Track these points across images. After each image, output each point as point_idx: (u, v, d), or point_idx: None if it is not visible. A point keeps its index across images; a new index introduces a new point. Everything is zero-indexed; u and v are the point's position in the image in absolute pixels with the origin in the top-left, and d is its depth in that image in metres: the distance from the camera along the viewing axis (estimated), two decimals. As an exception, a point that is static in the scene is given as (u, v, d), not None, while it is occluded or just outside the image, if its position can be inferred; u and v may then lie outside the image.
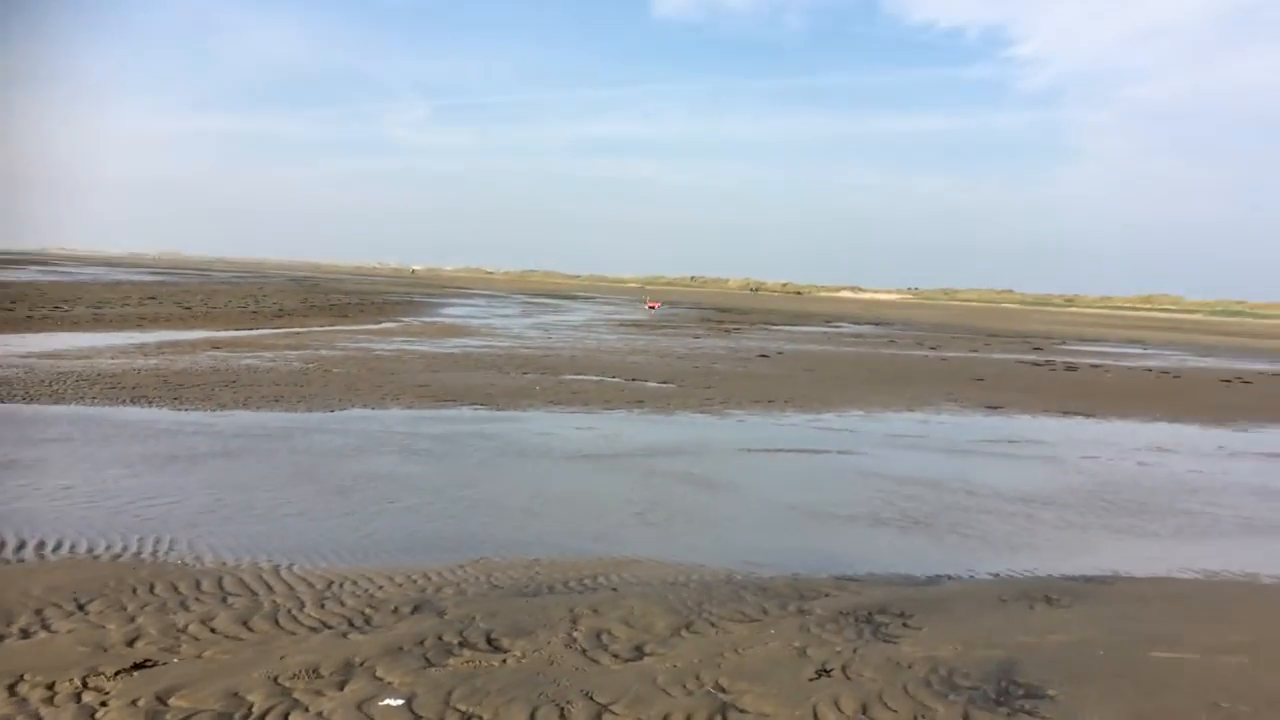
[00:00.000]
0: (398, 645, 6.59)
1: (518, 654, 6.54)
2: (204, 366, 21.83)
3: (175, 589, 7.63)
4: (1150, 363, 39.72)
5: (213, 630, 6.80)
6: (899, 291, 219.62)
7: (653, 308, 73.21)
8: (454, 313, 55.30)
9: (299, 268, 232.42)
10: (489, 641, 6.75)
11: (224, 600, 7.44)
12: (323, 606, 7.39)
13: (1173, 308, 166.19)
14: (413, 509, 10.48)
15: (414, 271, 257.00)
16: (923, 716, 5.86)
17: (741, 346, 37.64)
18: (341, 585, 7.92)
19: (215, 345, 27.00)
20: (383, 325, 40.01)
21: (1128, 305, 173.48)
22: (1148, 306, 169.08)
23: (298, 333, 33.68)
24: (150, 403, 16.56)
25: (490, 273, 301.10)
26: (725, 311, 79.53)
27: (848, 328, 61.13)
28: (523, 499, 11.22)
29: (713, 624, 7.36)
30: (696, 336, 43.16)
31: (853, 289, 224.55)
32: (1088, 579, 9.14)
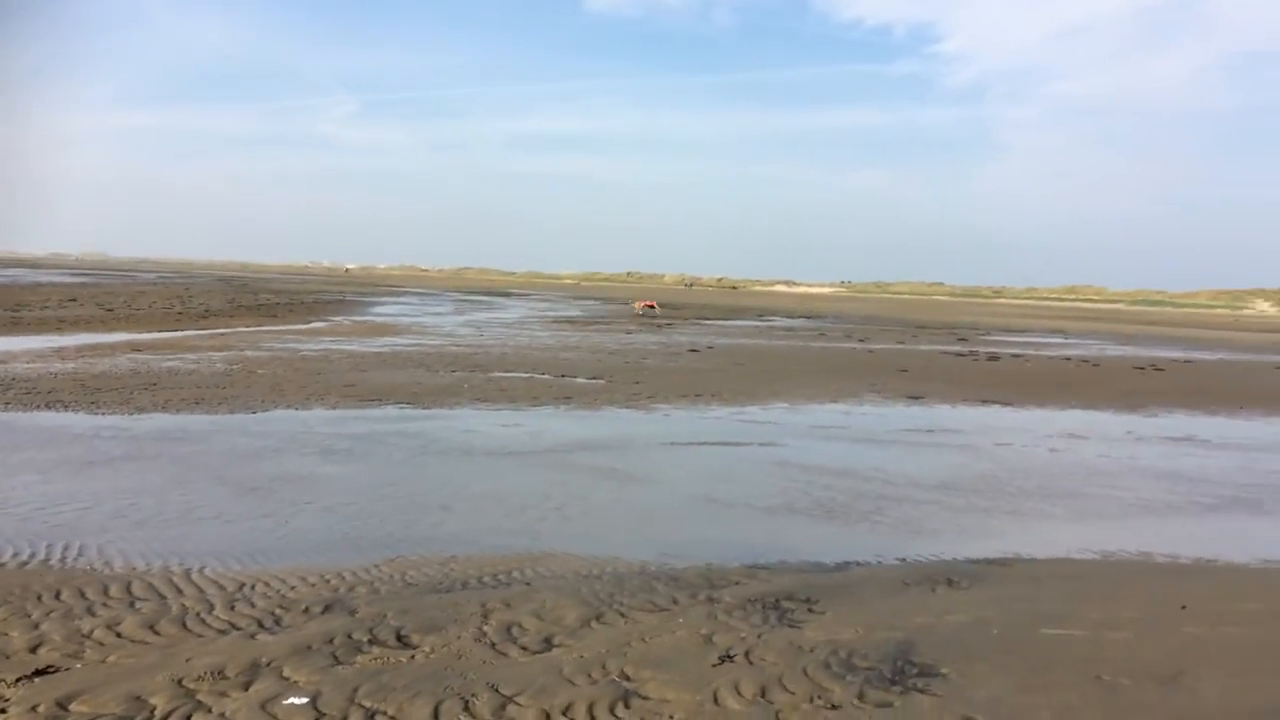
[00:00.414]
0: (306, 644, 6.62)
1: (427, 649, 6.62)
2: (124, 369, 21.43)
3: (82, 595, 7.56)
4: (1070, 352, 40.82)
5: (118, 635, 6.77)
6: (833, 285, 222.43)
7: (650, 307, 65.86)
8: (385, 311, 54.81)
9: (228, 268, 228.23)
10: (399, 638, 6.82)
11: (132, 605, 7.40)
12: (232, 609, 7.39)
13: (1096, 298, 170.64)
14: (330, 509, 10.47)
15: (347, 270, 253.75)
16: (819, 697, 6.06)
17: (673, 342, 37.90)
18: (253, 587, 7.91)
19: (136, 348, 26.49)
20: (311, 325, 39.54)
21: (1053, 296, 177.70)
22: (1072, 297, 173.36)
23: (223, 334, 33.16)
24: (66, 407, 16.24)
25: (426, 270, 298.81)
26: (660, 307, 79.81)
27: (780, 322, 61.80)
28: (442, 497, 11.26)
29: (623, 614, 7.51)
30: (629, 332, 43.33)
31: (787, 283, 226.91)
32: (989, 561, 9.47)
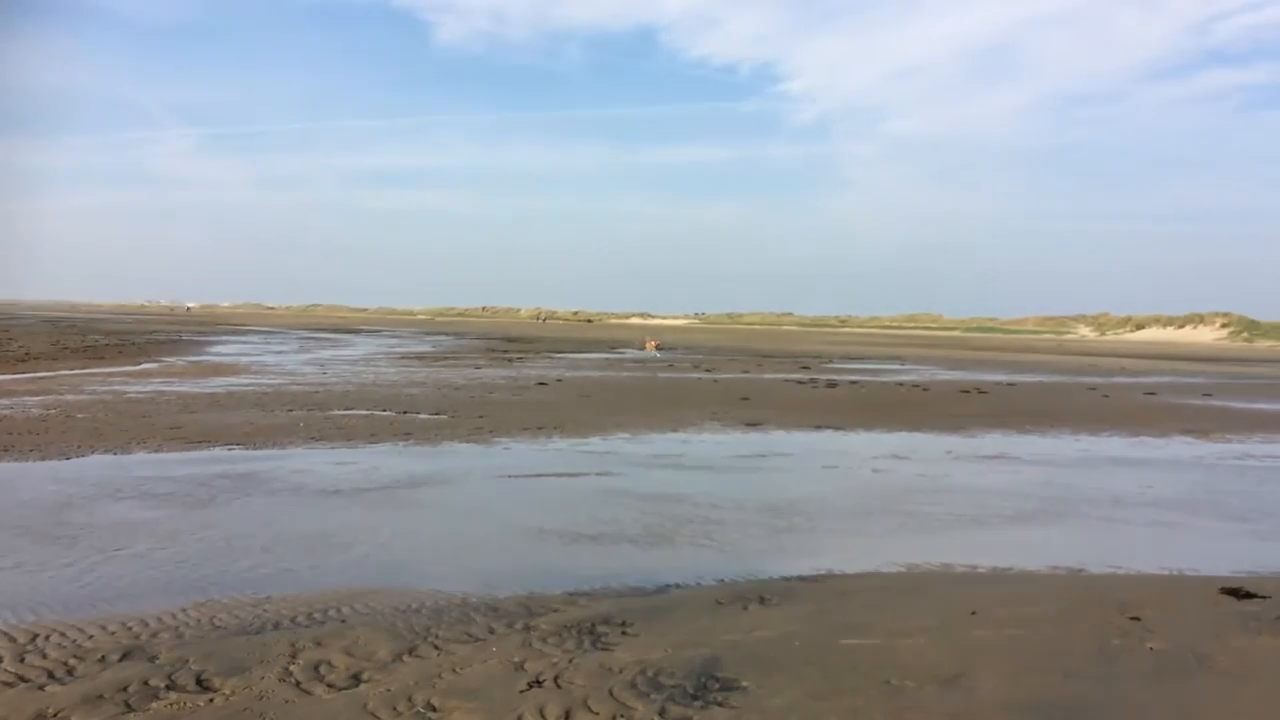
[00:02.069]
0: (98, 693, 6.40)
1: (227, 692, 6.49)
2: (-76, 417, 20.07)
3: None
4: (904, 377, 42.70)
5: (-110, 695, 6.39)
6: (686, 317, 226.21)
7: (654, 348, 60.45)
8: (224, 351, 52.93)
9: (57, 308, 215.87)
10: (199, 682, 6.66)
11: (-92, 663, 6.99)
12: (22, 660, 7.06)
13: (933, 325, 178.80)
14: (141, 555, 10.10)
15: (189, 310, 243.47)
16: (622, 716, 6.22)
17: (522, 375, 37.89)
18: (47, 638, 7.58)
19: (-58, 394, 24.82)
20: (142, 366, 37.87)
21: (894, 324, 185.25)
22: (912, 325, 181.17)
23: (42, 377, 31.39)
24: None
25: (272, 308, 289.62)
26: (513, 341, 79.63)
27: (631, 354, 62.50)
28: (264, 538, 11.00)
29: (437, 647, 7.52)
30: (478, 367, 43.09)
31: (642, 315, 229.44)
32: (802, 578, 9.87)
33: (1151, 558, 11.09)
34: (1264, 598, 9.16)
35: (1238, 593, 9.32)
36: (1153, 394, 36.26)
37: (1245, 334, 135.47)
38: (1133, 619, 8.43)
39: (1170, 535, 12.54)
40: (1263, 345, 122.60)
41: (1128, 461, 19.08)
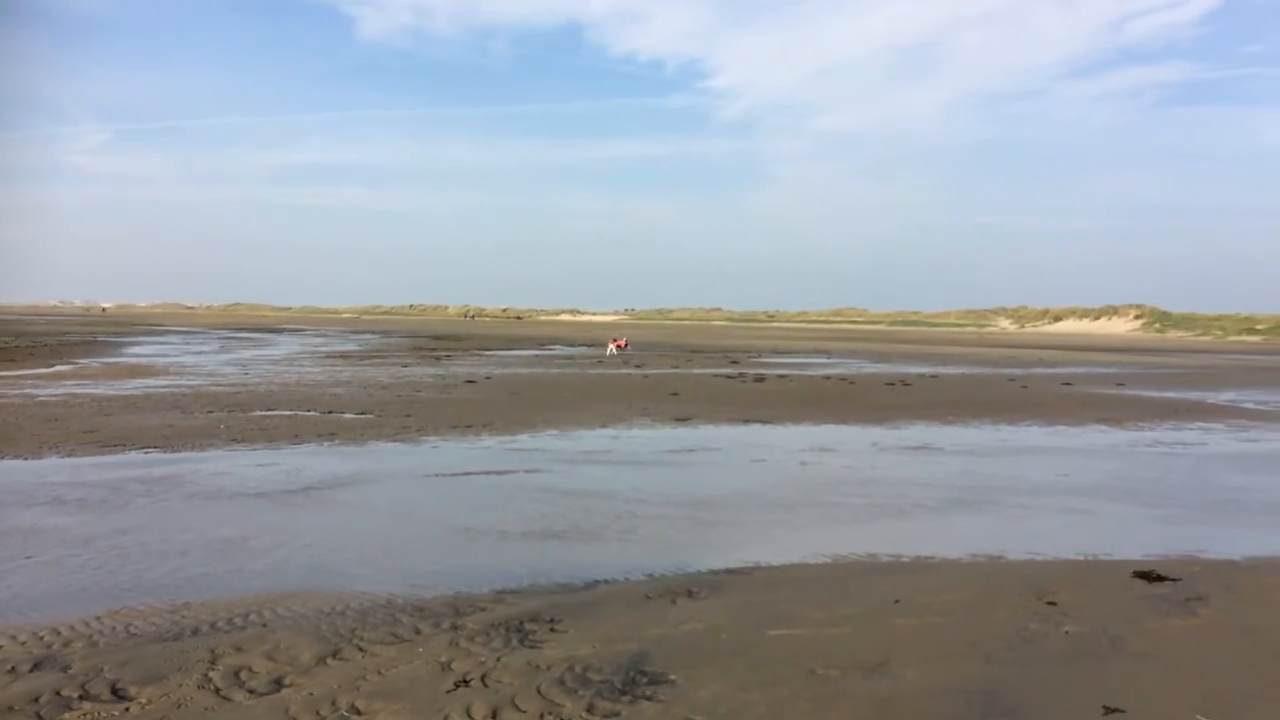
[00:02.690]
0: (8, 705, 6.19)
1: (144, 701, 6.33)
2: None
3: None
4: (831, 371, 43.26)
5: None
6: (616, 313, 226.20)
7: (620, 347, 55.28)
8: (141, 352, 51.53)
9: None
10: (114, 691, 6.48)
11: None
12: (-76, 676, 6.80)
13: (859, 319, 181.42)
14: (53, 563, 9.78)
15: (105, 310, 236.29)
16: (550, 713, 6.21)
17: (450, 373, 37.54)
18: (-48, 651, 7.30)
19: None
20: (54, 369, 36.66)
21: (821, 319, 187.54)
22: (839, 319, 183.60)
23: (-52, 381, 30.22)
24: None
25: (192, 308, 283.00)
26: (440, 339, 78.84)
27: (561, 350, 62.33)
28: (182, 542, 10.73)
29: (361, 649, 7.42)
30: (405, 365, 42.58)
31: (572, 312, 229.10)
32: (730, 571, 9.95)
33: (1068, 543, 11.39)
34: (1175, 580, 9.49)
35: (1149, 576, 9.64)
36: (1069, 384, 37.26)
37: (1157, 325, 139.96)
38: (1049, 604, 8.66)
39: (1085, 521, 12.89)
40: (1173, 336, 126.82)
41: (1045, 450, 19.59)
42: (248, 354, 51.19)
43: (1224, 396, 33.32)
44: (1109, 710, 6.21)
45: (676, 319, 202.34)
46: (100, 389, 28.27)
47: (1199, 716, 6.13)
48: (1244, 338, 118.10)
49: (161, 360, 43.87)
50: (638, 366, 44.25)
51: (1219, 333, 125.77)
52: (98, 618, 8.16)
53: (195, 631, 7.84)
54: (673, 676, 6.80)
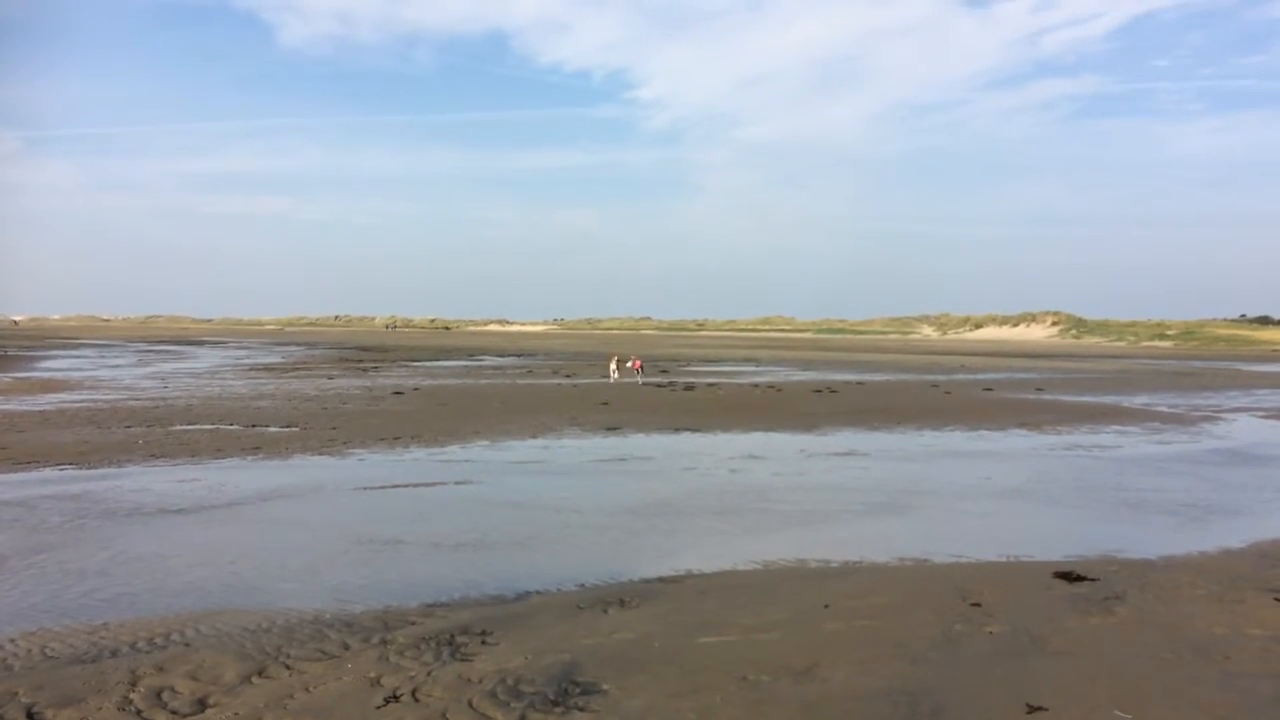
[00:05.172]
0: (-87, 736, 5.96)
1: (60, 726, 6.13)
2: None
3: None
4: (759, 379, 43.67)
5: None
6: (545, 323, 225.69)
7: (637, 368, 42.90)
8: (55, 366, 49.96)
9: None
10: (29, 715, 6.27)
11: None
12: None
13: (786, 328, 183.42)
14: (-39, 585, 9.43)
15: (15, 323, 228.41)
16: (482, 726, 6.16)
17: (377, 385, 37.07)
18: None
19: None
20: (-39, 384, 35.34)
21: (749, 327, 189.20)
22: (766, 328, 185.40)
23: None
24: None
25: (108, 320, 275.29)
26: (368, 350, 77.84)
27: (490, 360, 61.95)
28: (99, 561, 10.42)
29: (288, 666, 7.28)
30: (331, 378, 41.94)
31: (501, 322, 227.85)
32: (661, 579, 9.98)
33: (991, 546, 11.65)
34: (1093, 580, 9.77)
35: (1069, 576, 9.91)
36: (990, 390, 38.13)
37: (1074, 331, 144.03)
38: (974, 605, 8.85)
39: (1008, 523, 13.20)
40: (1089, 341, 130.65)
41: (968, 454, 20.01)
42: (167, 367, 49.95)
43: (1138, 400, 34.41)
44: (1032, 709, 6.37)
45: (605, 328, 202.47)
46: (11, 405, 27.34)
47: (1118, 712, 6.32)
48: (1156, 343, 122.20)
49: (76, 374, 42.58)
50: (568, 376, 44.16)
51: (1132, 338, 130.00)
52: (12, 640, 7.88)
53: (115, 652, 7.62)
54: (605, 686, 6.79)
